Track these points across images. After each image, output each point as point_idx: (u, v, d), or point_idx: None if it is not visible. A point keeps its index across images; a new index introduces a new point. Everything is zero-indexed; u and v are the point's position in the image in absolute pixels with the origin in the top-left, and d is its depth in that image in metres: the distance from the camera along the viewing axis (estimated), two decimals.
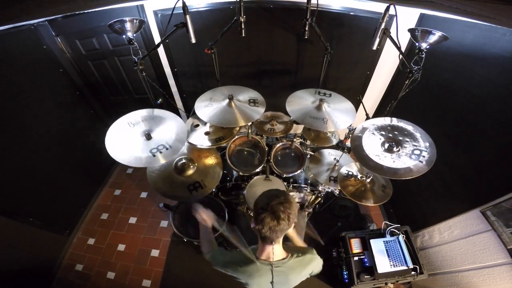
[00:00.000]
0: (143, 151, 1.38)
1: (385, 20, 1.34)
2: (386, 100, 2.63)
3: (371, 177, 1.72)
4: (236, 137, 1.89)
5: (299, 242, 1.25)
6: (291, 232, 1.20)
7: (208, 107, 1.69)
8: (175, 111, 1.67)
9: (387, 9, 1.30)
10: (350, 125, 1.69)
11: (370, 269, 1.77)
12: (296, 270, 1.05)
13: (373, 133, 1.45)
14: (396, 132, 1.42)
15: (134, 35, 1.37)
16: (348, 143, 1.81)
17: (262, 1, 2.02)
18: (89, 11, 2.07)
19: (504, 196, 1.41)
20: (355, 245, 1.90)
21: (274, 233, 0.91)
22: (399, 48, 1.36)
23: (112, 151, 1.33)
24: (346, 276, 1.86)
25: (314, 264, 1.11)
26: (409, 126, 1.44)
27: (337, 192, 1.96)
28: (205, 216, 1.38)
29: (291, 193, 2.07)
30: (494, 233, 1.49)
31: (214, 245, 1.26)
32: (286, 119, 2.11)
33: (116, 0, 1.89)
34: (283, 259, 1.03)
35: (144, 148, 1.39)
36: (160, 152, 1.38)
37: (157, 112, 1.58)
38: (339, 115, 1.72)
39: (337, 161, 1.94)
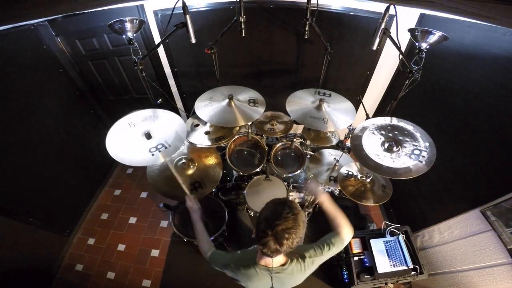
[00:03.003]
0: (143, 150, 1.38)
1: (385, 20, 1.34)
2: (386, 100, 2.63)
3: (371, 177, 1.72)
4: (236, 137, 1.89)
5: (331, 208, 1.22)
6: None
7: (208, 107, 1.69)
8: (175, 111, 1.66)
9: (387, 9, 1.30)
10: (350, 125, 1.69)
11: (370, 269, 1.77)
12: (295, 275, 1.04)
13: (373, 133, 1.45)
14: (396, 132, 1.42)
15: (134, 35, 1.37)
16: (348, 143, 1.81)
17: (262, 1, 2.02)
18: (89, 11, 2.07)
19: (504, 196, 1.40)
20: (355, 245, 1.90)
21: (275, 253, 0.88)
22: (399, 48, 1.36)
23: (112, 151, 1.33)
24: (346, 276, 1.86)
25: (316, 264, 1.09)
26: (409, 126, 1.44)
27: (337, 192, 1.96)
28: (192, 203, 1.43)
29: (291, 193, 2.07)
30: (494, 233, 1.49)
31: (210, 243, 1.23)
32: (286, 119, 2.11)
33: (116, 0, 1.89)
34: (283, 265, 1.00)
35: (144, 147, 1.39)
36: (159, 151, 1.38)
37: (157, 112, 1.58)
38: (339, 115, 1.72)
39: (337, 161, 1.94)
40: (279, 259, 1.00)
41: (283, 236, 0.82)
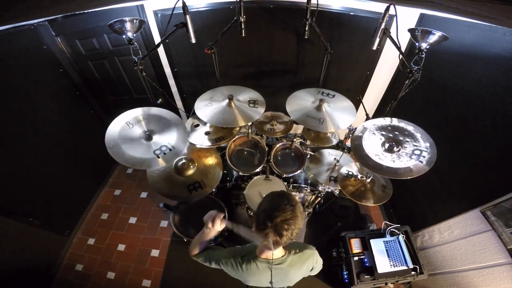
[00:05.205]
0: (144, 152, 1.38)
1: (385, 20, 1.34)
2: (386, 100, 2.63)
3: (371, 177, 1.72)
4: (236, 137, 1.89)
5: None
6: None
7: (208, 106, 1.69)
8: (175, 111, 1.66)
9: (387, 9, 1.30)
10: (350, 125, 1.69)
11: (370, 269, 1.77)
12: (295, 266, 1.05)
13: (374, 133, 1.45)
14: (396, 132, 1.43)
15: (134, 35, 1.37)
16: (348, 143, 1.81)
17: (262, 1, 2.01)
18: (89, 11, 2.06)
19: (504, 196, 1.41)
20: (355, 245, 1.89)
21: (276, 245, 0.89)
22: (399, 48, 1.36)
23: (112, 151, 1.33)
24: (346, 276, 1.86)
25: (313, 259, 1.10)
26: (409, 126, 1.44)
27: (337, 192, 1.96)
28: (216, 226, 1.05)
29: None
30: (494, 233, 1.49)
31: (205, 249, 1.15)
32: (286, 119, 2.11)
33: (116, 0, 1.89)
34: (282, 256, 1.03)
35: (145, 149, 1.40)
36: (164, 154, 1.38)
37: (157, 111, 1.58)
38: (339, 115, 1.72)
39: (337, 161, 1.95)
40: (279, 251, 1.02)
41: (283, 227, 0.83)
